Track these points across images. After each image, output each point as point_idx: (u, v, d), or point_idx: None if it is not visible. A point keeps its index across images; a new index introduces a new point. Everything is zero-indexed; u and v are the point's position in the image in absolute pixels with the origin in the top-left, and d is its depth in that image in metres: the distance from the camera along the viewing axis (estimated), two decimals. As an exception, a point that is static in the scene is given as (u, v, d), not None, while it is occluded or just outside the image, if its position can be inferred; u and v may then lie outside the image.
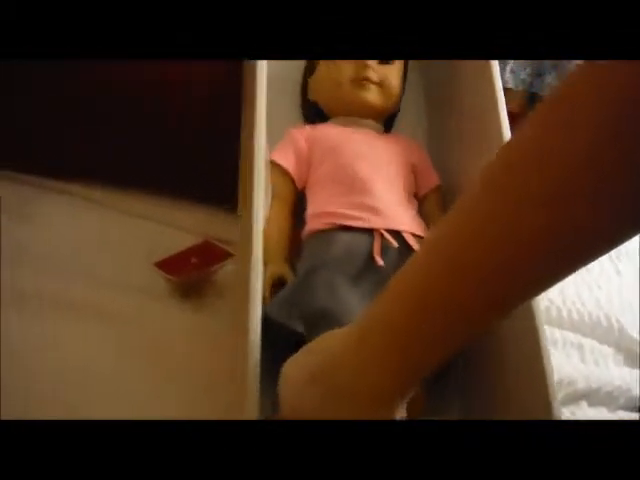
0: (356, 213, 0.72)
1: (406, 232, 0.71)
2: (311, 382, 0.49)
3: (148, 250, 0.83)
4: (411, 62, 0.91)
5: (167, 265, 0.80)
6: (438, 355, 0.45)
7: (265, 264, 0.64)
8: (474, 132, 0.80)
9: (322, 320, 0.62)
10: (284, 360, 0.54)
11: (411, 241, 0.71)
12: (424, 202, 0.79)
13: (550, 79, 1.39)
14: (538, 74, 1.40)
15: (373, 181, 0.74)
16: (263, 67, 0.73)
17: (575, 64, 1.38)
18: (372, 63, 0.81)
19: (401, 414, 0.49)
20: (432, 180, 0.81)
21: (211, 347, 0.74)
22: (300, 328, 0.63)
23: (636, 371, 0.85)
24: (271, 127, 0.74)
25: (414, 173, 0.80)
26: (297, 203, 0.78)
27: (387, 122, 0.86)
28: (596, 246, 0.40)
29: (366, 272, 0.68)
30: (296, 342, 0.60)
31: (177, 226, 0.88)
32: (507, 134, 0.72)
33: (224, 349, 0.72)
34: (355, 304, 0.65)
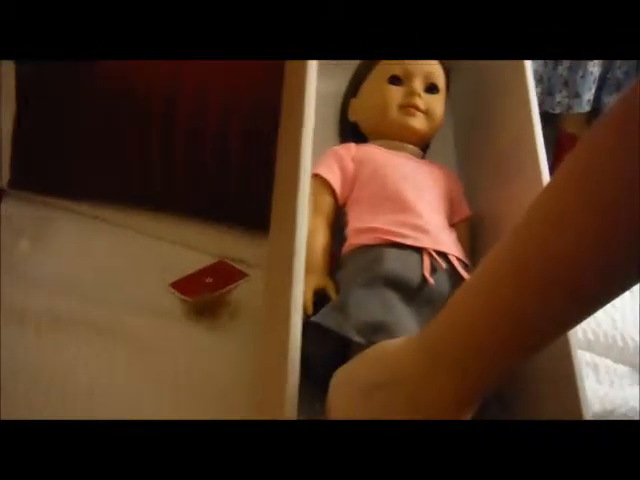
0: (404, 231, 0.72)
1: (451, 255, 0.73)
2: (367, 393, 0.50)
3: (162, 270, 0.83)
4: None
5: (182, 285, 0.81)
6: (496, 373, 0.48)
7: (306, 276, 0.64)
8: (506, 159, 0.81)
9: (376, 331, 0.63)
10: (329, 367, 0.55)
11: (456, 264, 0.72)
12: (455, 230, 0.79)
13: (560, 97, 1.39)
14: (549, 93, 1.40)
15: (418, 203, 0.75)
16: (313, 67, 0.71)
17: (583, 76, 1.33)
18: (420, 91, 0.83)
19: None
20: (464, 210, 0.83)
21: (226, 366, 0.75)
22: (355, 336, 0.63)
23: (652, 391, 0.84)
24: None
25: (450, 200, 0.81)
26: (336, 219, 0.79)
27: (424, 148, 0.87)
28: (611, 285, 0.44)
29: (416, 290, 0.69)
30: (343, 350, 0.63)
31: (192, 246, 0.88)
32: (544, 164, 0.72)
33: (240, 368, 0.72)
34: (407, 320, 0.66)
